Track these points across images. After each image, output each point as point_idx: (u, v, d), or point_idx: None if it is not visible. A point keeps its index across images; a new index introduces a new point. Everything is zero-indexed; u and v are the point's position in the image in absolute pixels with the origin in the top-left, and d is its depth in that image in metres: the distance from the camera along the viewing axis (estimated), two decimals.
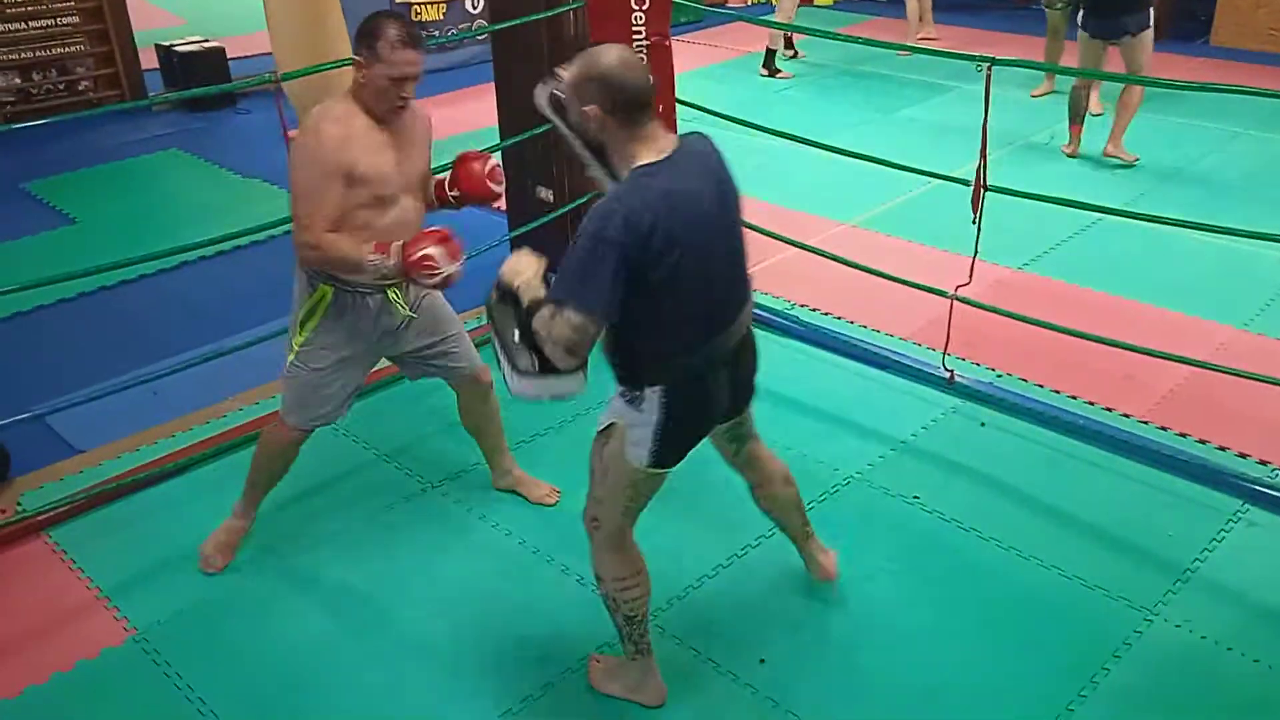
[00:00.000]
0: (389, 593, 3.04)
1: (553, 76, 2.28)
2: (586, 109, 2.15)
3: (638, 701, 2.65)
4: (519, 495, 3.41)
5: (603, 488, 2.43)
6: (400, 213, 2.81)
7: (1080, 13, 5.89)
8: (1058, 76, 7.25)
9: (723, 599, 2.98)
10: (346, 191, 2.69)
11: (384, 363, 3.22)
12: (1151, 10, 5.76)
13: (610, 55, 2.16)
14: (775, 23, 8.08)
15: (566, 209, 4.68)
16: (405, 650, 2.84)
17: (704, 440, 2.50)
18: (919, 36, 8.56)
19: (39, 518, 3.31)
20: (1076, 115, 6.15)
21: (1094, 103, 6.47)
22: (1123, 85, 5.85)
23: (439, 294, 3.09)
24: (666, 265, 2.11)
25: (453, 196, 2.95)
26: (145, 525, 3.33)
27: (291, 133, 4.38)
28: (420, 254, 2.67)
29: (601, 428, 2.39)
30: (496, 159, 2.98)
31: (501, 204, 5.25)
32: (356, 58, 2.69)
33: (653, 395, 2.25)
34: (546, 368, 2.22)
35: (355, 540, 3.25)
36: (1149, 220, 3.82)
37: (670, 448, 2.33)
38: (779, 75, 8.14)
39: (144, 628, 2.93)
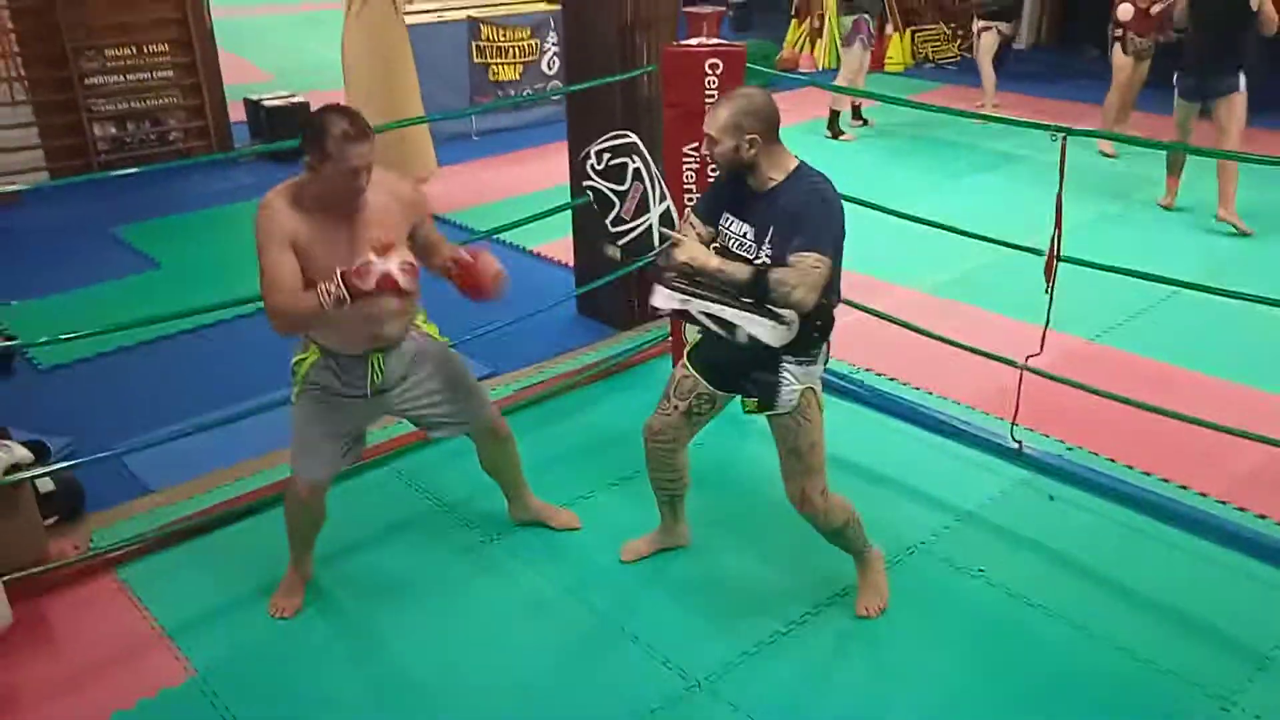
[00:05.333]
0: (448, 648, 3.04)
1: (664, 279, 2.73)
2: (749, 138, 2.64)
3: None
4: (542, 526, 3.51)
5: (813, 455, 2.85)
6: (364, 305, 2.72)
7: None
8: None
9: (781, 666, 2.93)
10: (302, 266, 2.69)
11: None
12: (1242, 74, 5.75)
13: (758, 94, 2.72)
14: (844, 88, 8.14)
15: (634, 266, 4.71)
16: (464, 708, 2.83)
17: None
18: (991, 104, 8.56)
19: (110, 555, 3.39)
20: (1173, 167, 6.18)
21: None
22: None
23: (446, 351, 3.14)
24: (844, 235, 2.71)
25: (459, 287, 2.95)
26: (213, 566, 3.39)
27: None
28: (358, 264, 2.60)
29: (789, 408, 2.79)
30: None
31: (569, 259, 5.34)
32: (306, 159, 2.67)
33: (823, 347, 2.81)
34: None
35: (417, 592, 3.26)
36: (1227, 296, 3.73)
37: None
38: (841, 137, 8.20)
39: (204, 669, 2.96)
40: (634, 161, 2.77)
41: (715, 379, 2.95)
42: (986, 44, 8.58)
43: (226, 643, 3.06)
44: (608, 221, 2.83)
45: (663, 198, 2.82)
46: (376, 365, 2.95)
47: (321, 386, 2.96)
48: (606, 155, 2.77)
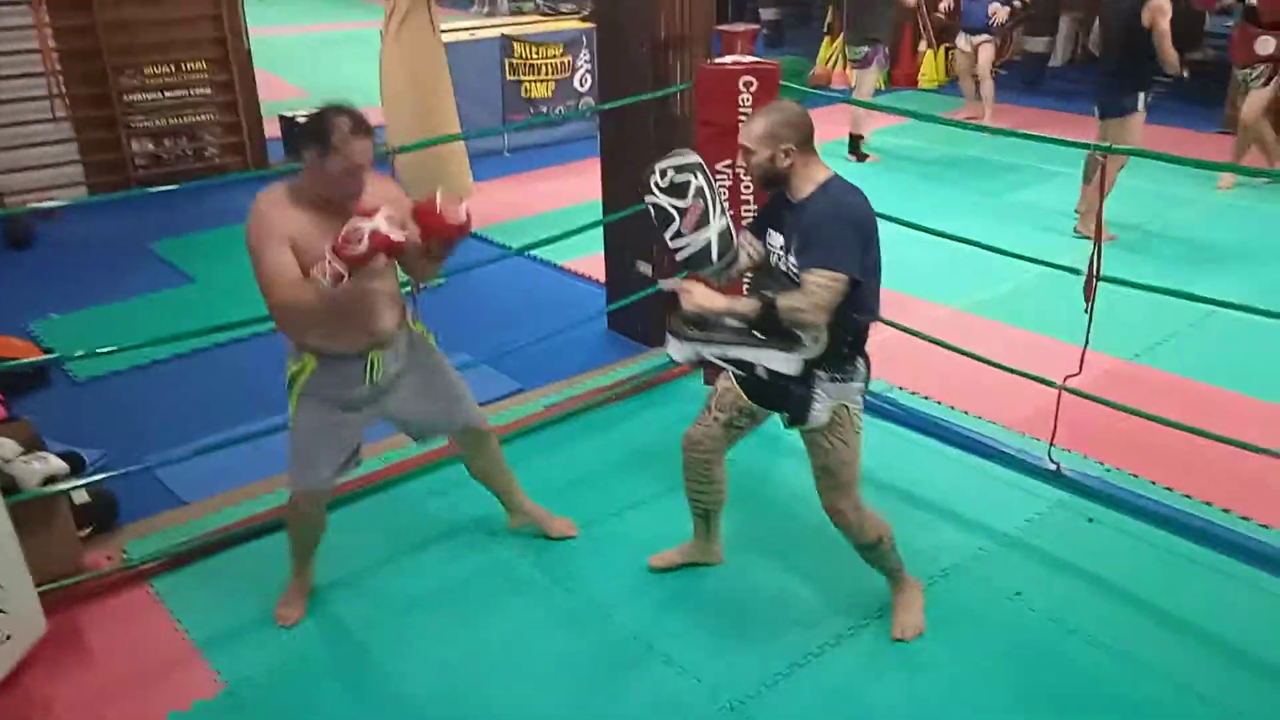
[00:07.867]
0: (477, 664, 3.03)
1: (675, 328, 2.77)
2: (784, 147, 2.67)
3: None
4: (541, 530, 3.53)
5: (847, 470, 2.87)
6: (361, 291, 2.78)
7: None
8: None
9: (814, 687, 2.89)
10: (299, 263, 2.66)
11: None
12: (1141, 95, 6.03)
13: (793, 105, 2.78)
14: (876, 104, 8.09)
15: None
16: None
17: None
18: (967, 115, 8.81)
19: (143, 567, 3.40)
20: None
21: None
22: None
23: (435, 352, 3.15)
24: (874, 252, 2.72)
25: (427, 246, 2.84)
26: (243, 578, 3.39)
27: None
28: (344, 232, 2.58)
29: (818, 425, 2.79)
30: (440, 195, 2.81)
31: (600, 276, 5.33)
32: (307, 154, 2.68)
33: (860, 362, 2.82)
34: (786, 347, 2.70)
35: (446, 607, 3.25)
36: (1269, 316, 3.66)
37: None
38: (867, 159, 8.16)
39: (235, 681, 2.96)
40: (697, 179, 2.77)
41: (754, 394, 2.95)
42: (985, 58, 8.99)
43: (257, 656, 3.06)
44: (667, 236, 2.83)
45: (722, 213, 2.81)
46: (375, 362, 2.95)
47: (320, 395, 2.94)
48: (671, 172, 2.77)
